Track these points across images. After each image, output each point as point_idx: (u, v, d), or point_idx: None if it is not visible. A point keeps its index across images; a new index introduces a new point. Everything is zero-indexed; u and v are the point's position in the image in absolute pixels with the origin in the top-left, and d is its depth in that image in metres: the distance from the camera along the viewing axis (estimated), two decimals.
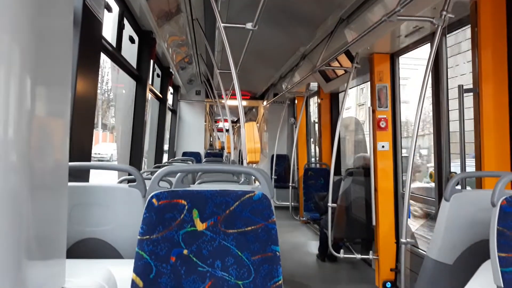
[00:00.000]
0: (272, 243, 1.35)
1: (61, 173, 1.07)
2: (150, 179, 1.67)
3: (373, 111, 3.99)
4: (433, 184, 3.47)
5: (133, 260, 1.31)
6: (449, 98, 3.30)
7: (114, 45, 3.49)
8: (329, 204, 4.17)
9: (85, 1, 2.24)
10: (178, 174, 1.75)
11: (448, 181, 2.08)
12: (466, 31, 3.04)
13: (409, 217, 3.12)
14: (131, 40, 4.10)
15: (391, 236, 3.95)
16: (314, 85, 6.69)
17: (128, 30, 3.94)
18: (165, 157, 7.66)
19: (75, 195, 1.76)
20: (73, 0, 1.14)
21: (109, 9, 2.95)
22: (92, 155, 2.62)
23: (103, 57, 3.09)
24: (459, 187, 2.04)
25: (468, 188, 2.96)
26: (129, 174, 2.37)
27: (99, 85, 2.71)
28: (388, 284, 3.86)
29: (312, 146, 8.11)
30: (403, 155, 4.07)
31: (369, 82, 4.17)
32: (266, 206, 1.36)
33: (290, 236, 6.23)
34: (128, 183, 2.02)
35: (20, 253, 0.89)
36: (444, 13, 2.50)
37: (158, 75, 6.16)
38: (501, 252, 1.44)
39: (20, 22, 0.84)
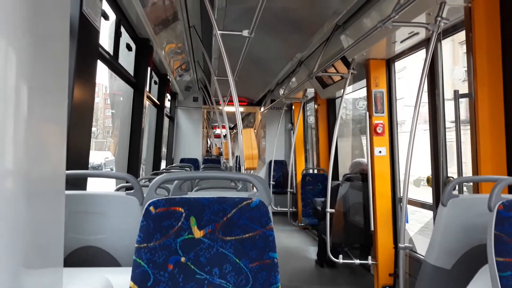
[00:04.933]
0: (270, 250, 1.34)
1: (58, 180, 1.07)
2: (147, 186, 1.67)
3: (370, 117, 4.00)
4: None
5: (130, 268, 1.30)
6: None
7: (111, 53, 3.50)
8: (327, 209, 4.17)
9: (82, 9, 2.25)
10: (176, 181, 1.75)
11: (445, 186, 2.08)
12: None
13: (407, 222, 3.12)
14: (128, 47, 4.11)
15: (389, 241, 3.95)
16: (311, 91, 6.71)
17: (125, 38, 3.96)
18: (163, 164, 7.64)
19: (72, 203, 1.75)
20: (70, 6, 1.13)
21: (106, 17, 2.96)
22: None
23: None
24: (456, 192, 2.04)
25: (466, 192, 2.97)
26: (127, 182, 2.36)
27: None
28: None
29: (310, 151, 8.12)
30: None
31: (365, 88, 4.19)
32: (264, 213, 1.36)
33: (288, 242, 6.21)
34: (125, 190, 2.02)
35: (16, 261, 0.88)
36: (439, 19, 2.52)
37: (155, 82, 6.17)
38: (498, 257, 1.44)
39: (16, 27, 0.85)
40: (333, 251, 4.17)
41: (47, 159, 1.02)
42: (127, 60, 4.16)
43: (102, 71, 2.73)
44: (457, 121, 2.72)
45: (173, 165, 7.23)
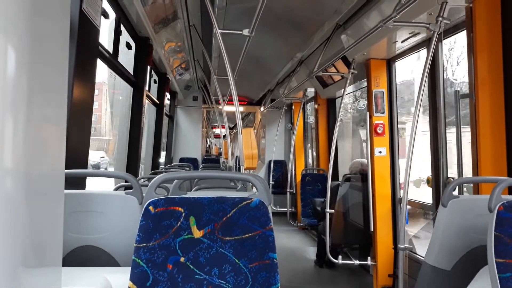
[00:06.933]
0: (269, 251, 1.34)
1: (57, 180, 1.06)
2: (147, 185, 1.66)
3: (370, 117, 4.00)
4: None
5: (129, 268, 1.30)
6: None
7: (111, 51, 3.49)
8: (327, 209, 4.16)
9: (82, 7, 2.24)
10: (175, 181, 1.75)
11: (445, 187, 2.08)
12: None
13: (407, 223, 3.12)
14: (128, 46, 4.10)
15: (389, 241, 3.94)
16: (311, 91, 6.71)
17: (125, 37, 3.95)
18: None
19: (71, 203, 1.75)
20: (69, 5, 1.13)
21: (106, 16, 2.96)
22: None
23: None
24: (456, 192, 2.04)
25: (466, 193, 2.97)
26: (126, 181, 2.35)
27: None
28: None
29: (310, 151, 8.12)
30: None
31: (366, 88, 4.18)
32: (264, 213, 1.35)
33: (288, 242, 6.21)
34: (124, 190, 2.01)
35: (15, 261, 0.88)
36: (440, 19, 2.51)
37: (155, 81, 6.17)
38: (498, 258, 1.43)
39: (15, 25, 0.84)
40: (333, 251, 4.16)
41: (47, 158, 1.01)
42: (126, 58, 4.15)
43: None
44: (458, 121, 2.72)
45: (172, 164, 7.22)
